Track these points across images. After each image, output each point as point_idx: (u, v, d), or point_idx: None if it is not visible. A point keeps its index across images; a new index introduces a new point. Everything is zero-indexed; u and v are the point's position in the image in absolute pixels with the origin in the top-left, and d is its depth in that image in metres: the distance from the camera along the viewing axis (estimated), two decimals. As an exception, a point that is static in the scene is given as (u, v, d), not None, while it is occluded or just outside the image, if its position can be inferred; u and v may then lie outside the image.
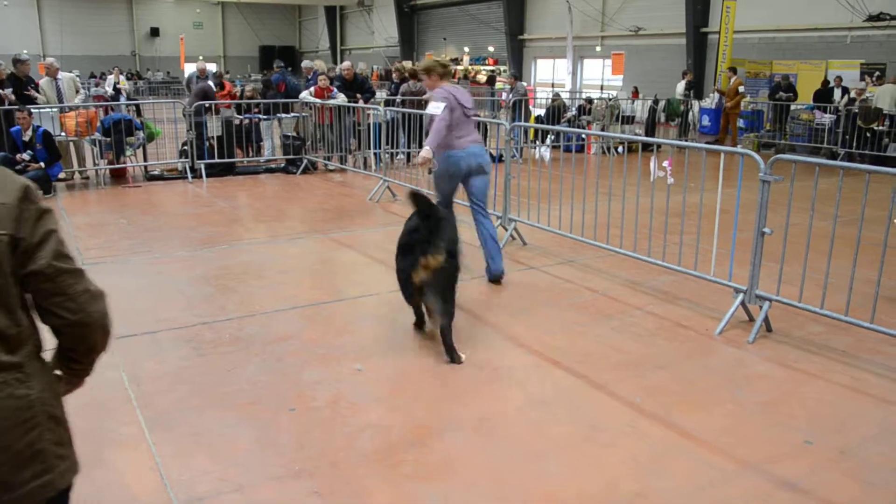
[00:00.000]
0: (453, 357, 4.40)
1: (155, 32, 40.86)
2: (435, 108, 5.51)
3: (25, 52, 29.17)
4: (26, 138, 9.07)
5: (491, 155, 6.78)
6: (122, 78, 17.77)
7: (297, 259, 6.81)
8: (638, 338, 4.89)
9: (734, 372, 4.40)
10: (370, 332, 4.94)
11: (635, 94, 20.30)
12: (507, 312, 5.32)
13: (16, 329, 1.57)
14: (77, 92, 11.00)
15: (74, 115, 10.19)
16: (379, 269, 6.34)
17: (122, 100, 15.68)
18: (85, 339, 1.72)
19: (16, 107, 9.35)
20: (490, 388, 4.11)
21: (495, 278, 6.01)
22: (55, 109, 10.36)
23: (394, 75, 14.74)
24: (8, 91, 9.95)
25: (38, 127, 9.24)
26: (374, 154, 10.98)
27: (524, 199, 7.54)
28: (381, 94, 15.33)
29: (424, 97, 10.23)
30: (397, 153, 11.19)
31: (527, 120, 15.34)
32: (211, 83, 12.01)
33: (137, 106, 13.06)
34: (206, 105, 10.91)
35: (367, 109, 11.28)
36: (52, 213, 1.64)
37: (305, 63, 15.52)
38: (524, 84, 18.47)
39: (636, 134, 15.56)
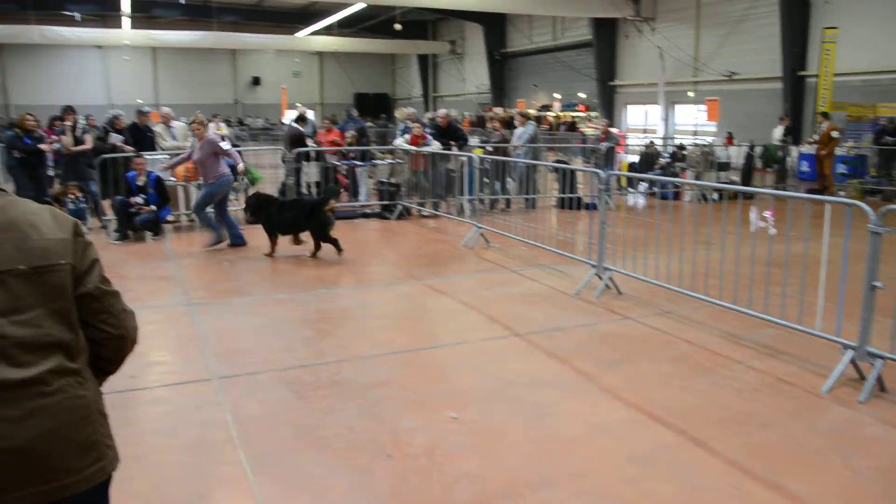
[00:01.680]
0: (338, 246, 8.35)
1: (256, 81, 42.70)
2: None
3: (140, 100, 30.98)
4: (140, 183, 9.62)
5: (586, 203, 6.77)
6: (221, 125, 18.49)
7: (392, 304, 6.93)
8: (739, 393, 4.73)
9: (845, 433, 4.19)
10: (465, 381, 4.96)
11: (729, 139, 19.89)
12: (602, 363, 5.26)
13: (76, 341, 1.80)
14: (189, 139, 11.60)
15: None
16: (473, 317, 6.38)
17: (227, 146, 16.37)
18: (121, 350, 1.98)
19: (134, 153, 9.96)
20: (586, 441, 4.05)
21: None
22: (166, 156, 10.95)
23: (493, 124, 14.84)
24: (118, 138, 10.61)
25: (151, 172, 9.78)
26: (468, 200, 11.09)
27: (619, 247, 7.48)
28: (474, 140, 15.50)
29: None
30: (492, 199, 11.31)
31: (618, 166, 15.24)
32: (298, 127, 12.47)
33: (239, 152, 13.61)
34: (305, 151, 11.31)
35: (460, 156, 11.46)
36: (93, 245, 1.90)
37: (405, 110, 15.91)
38: (616, 130, 18.39)
39: (731, 181, 15.22)
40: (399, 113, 14.95)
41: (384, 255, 9.19)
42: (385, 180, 11.97)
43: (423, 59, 41.52)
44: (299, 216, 8.70)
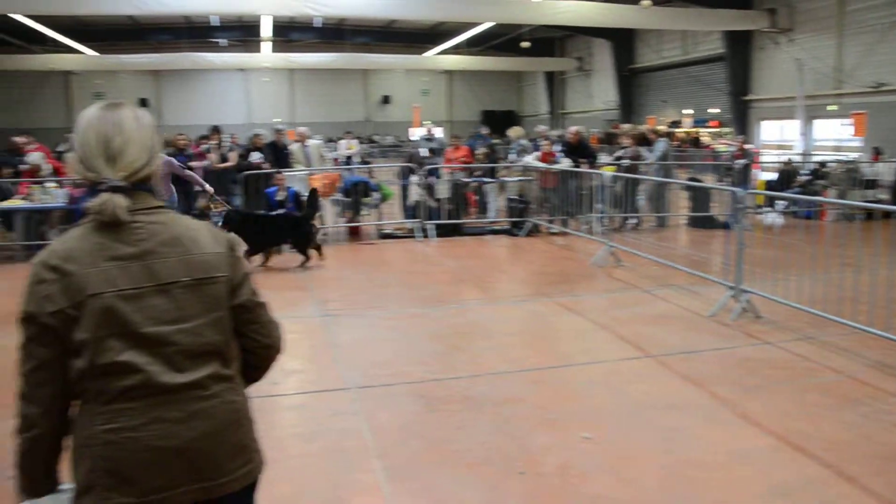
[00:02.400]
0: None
1: (386, 100, 43.90)
2: None
3: (278, 119, 32.52)
4: (280, 198, 10.11)
5: (720, 222, 6.54)
6: (352, 142, 19.00)
7: (522, 321, 6.94)
8: (893, 427, 4.44)
9: None
10: (598, 401, 4.89)
11: (876, 156, 18.66)
12: (740, 388, 5.06)
13: (230, 350, 1.91)
14: (323, 157, 12.10)
15: (320, 178, 11.21)
16: (605, 336, 6.30)
17: (355, 163, 16.93)
18: (269, 359, 2.07)
19: (273, 170, 10.47)
20: (724, 469, 3.90)
21: None
22: (304, 172, 11.45)
23: (625, 140, 14.56)
24: (257, 156, 11.20)
25: (290, 188, 10.25)
26: (598, 218, 10.97)
27: (756, 268, 7.19)
28: (605, 158, 15.27)
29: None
30: (625, 218, 11.15)
31: (753, 184, 14.64)
32: (422, 149, 12.72)
33: (369, 169, 14.04)
34: (435, 167, 11.55)
35: (591, 173, 11.37)
36: (244, 259, 2.04)
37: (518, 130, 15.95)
38: (751, 147, 17.67)
39: (879, 199, 14.29)
40: (512, 132, 14.99)
41: (513, 271, 9.23)
42: (514, 197, 12.02)
43: (550, 76, 41.43)
44: (282, 230, 9.21)
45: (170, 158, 9.03)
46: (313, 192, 9.70)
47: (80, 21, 30.55)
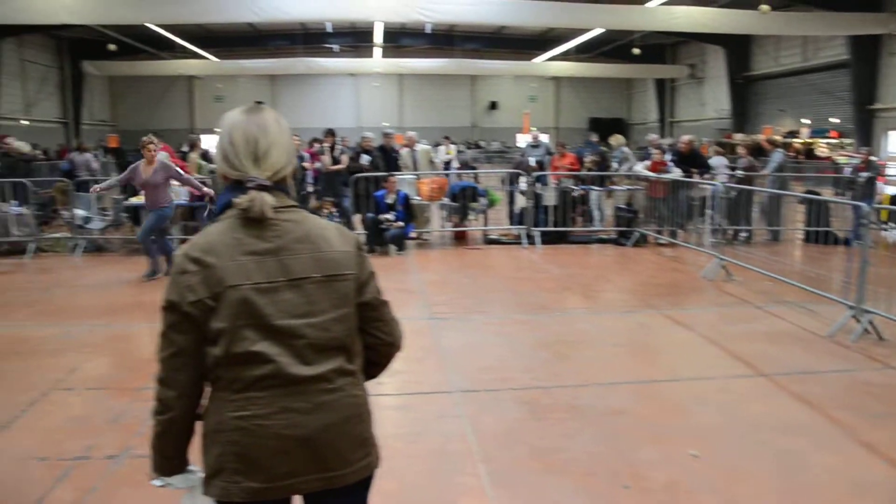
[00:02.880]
0: None
1: (493, 106, 44.05)
2: None
3: (386, 123, 33.14)
4: (390, 201, 10.34)
5: (840, 237, 6.24)
6: (451, 147, 19.00)
7: (629, 332, 6.84)
8: None
9: None
10: (706, 418, 4.76)
11: None
12: (862, 414, 4.81)
13: (354, 345, 1.98)
14: (430, 162, 12.28)
15: (428, 182, 11.38)
16: (714, 352, 6.13)
17: (453, 168, 17.01)
18: (389, 356, 2.16)
19: (384, 173, 10.71)
20: (842, 499, 3.73)
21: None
22: (413, 176, 11.65)
23: (739, 150, 14.10)
24: (367, 159, 11.46)
25: (400, 191, 10.46)
26: (709, 230, 10.68)
27: (880, 287, 6.82)
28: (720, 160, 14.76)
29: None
30: (737, 230, 10.81)
31: (878, 198, 13.87)
32: (529, 158, 12.69)
33: (475, 174, 14.11)
34: (542, 174, 11.53)
35: (702, 184, 11.09)
36: (369, 259, 2.06)
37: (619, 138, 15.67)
38: (876, 159, 16.76)
39: None
40: (614, 140, 14.75)
41: (620, 281, 9.10)
42: (622, 206, 11.86)
43: (661, 84, 40.54)
44: None
45: (168, 164, 9.02)
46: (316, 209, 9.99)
47: (205, 28, 32.17)
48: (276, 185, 1.92)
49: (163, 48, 33.97)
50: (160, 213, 8.87)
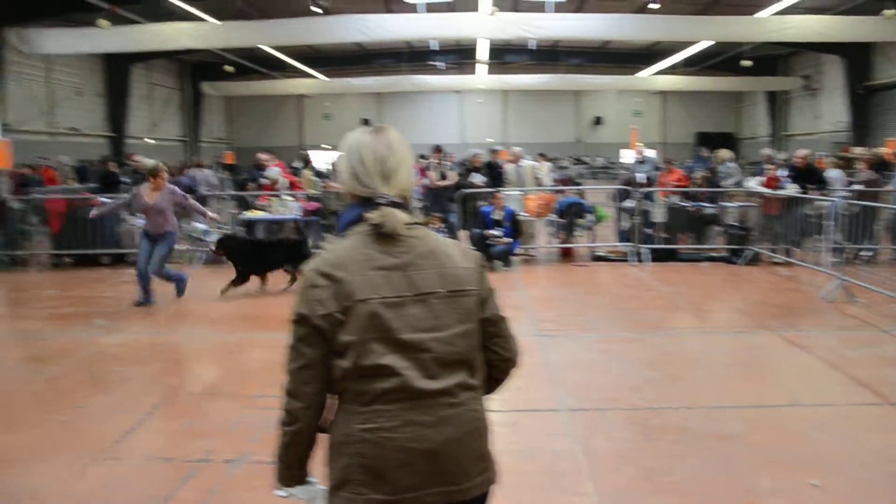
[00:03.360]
0: None
1: (598, 121, 43.55)
2: None
3: (490, 139, 33.30)
4: (497, 217, 10.40)
5: None
6: (544, 164, 18.69)
7: (742, 354, 6.61)
8: None
9: None
10: (827, 447, 4.53)
11: None
12: None
13: (477, 361, 2.00)
14: (537, 178, 12.27)
15: (535, 198, 11.38)
16: (836, 377, 5.85)
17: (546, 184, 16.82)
18: (506, 372, 2.16)
19: (492, 189, 10.78)
20: None
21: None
22: (520, 192, 11.68)
23: (859, 165, 13.44)
24: (479, 178, 11.55)
25: (507, 207, 10.50)
26: (829, 249, 10.21)
27: None
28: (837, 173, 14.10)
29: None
30: (859, 249, 10.29)
31: None
32: (638, 175, 12.46)
33: (579, 191, 13.98)
34: (650, 191, 11.33)
35: (819, 200, 10.61)
36: (488, 275, 2.08)
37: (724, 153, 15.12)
38: None
39: None
40: (720, 155, 14.24)
41: (732, 301, 8.82)
42: (734, 223, 11.49)
43: (772, 96, 39.03)
44: (280, 254, 9.26)
45: (174, 187, 8.92)
46: (304, 224, 10.16)
47: (314, 49, 33.26)
48: (403, 203, 1.98)
49: (275, 68, 35.36)
50: (170, 239, 8.72)
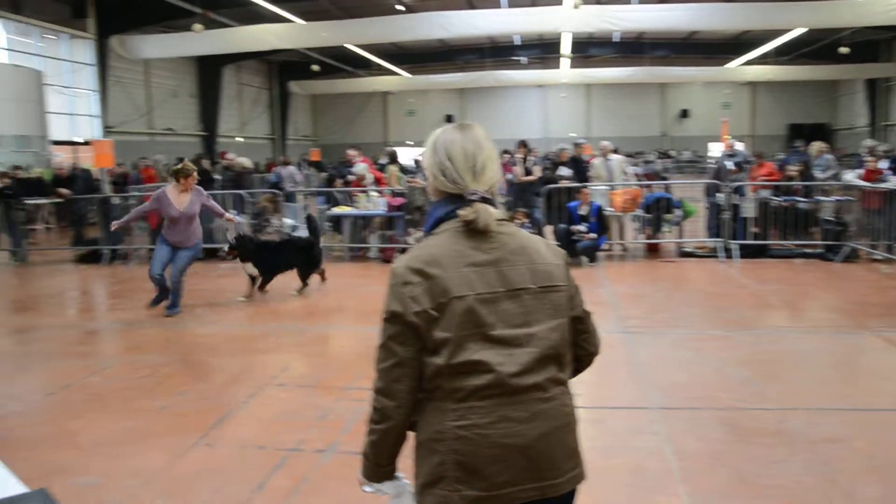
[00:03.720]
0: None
1: (684, 114, 42.55)
2: None
3: (573, 134, 32.97)
4: (582, 212, 10.29)
5: None
6: (623, 164, 18.21)
7: (841, 355, 6.35)
8: None
9: None
10: (939, 453, 4.33)
11: None
12: None
13: (566, 356, 2.00)
14: (624, 172, 12.07)
15: (621, 192, 11.20)
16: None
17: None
18: (588, 365, 2.18)
19: (578, 184, 10.68)
20: None
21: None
22: (605, 186, 11.52)
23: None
24: (567, 172, 11.44)
25: (593, 202, 10.38)
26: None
27: None
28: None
29: None
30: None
31: None
32: (727, 163, 12.08)
33: (666, 185, 13.68)
34: (740, 185, 10.99)
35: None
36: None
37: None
38: None
39: None
40: (814, 147, 13.61)
41: (828, 299, 8.46)
42: (830, 218, 11.03)
43: (871, 84, 37.17)
44: (291, 255, 9.05)
45: (200, 189, 8.18)
46: (311, 218, 9.89)
47: (398, 46, 33.61)
48: (491, 199, 1.98)
49: (360, 66, 35.95)
50: (194, 252, 8.12)
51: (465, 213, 1.90)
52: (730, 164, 12.13)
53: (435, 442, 1.88)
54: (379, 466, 2.01)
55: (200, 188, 8.18)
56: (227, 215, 8.86)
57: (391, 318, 1.88)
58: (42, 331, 7.72)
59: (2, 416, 5.19)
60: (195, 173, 7.99)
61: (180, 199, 7.85)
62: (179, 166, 8.09)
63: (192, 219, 7.91)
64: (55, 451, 4.43)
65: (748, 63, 35.19)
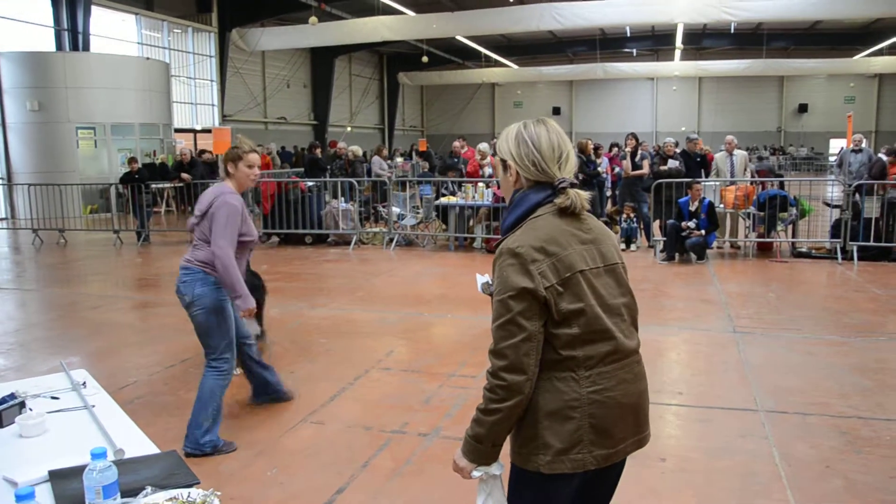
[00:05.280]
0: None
1: (803, 108, 40.62)
2: None
3: (684, 128, 32.05)
4: (692, 208, 10.03)
5: None
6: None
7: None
8: None
9: None
10: None
11: None
12: None
13: (635, 328, 2.19)
14: (745, 169, 11.70)
15: (734, 189, 10.85)
16: None
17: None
18: None
19: (692, 180, 10.41)
20: None
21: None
22: (717, 182, 11.21)
23: None
24: (674, 163, 11.17)
25: (704, 198, 10.10)
26: None
27: None
28: None
29: None
30: None
31: None
32: (852, 159, 11.50)
33: (781, 182, 13.14)
34: (863, 183, 10.44)
35: None
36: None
37: None
38: None
39: None
40: None
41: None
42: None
43: None
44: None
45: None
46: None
47: (508, 38, 33.58)
48: (577, 184, 2.14)
49: (468, 58, 36.15)
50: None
51: (561, 199, 2.05)
52: (854, 161, 11.56)
53: (570, 409, 2.00)
54: (495, 447, 2.07)
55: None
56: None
57: (520, 294, 1.96)
58: (163, 307, 8.19)
59: (130, 384, 5.58)
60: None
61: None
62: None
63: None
64: (175, 419, 4.71)
65: (876, 54, 33.21)
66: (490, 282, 2.10)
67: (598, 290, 2.05)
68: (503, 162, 2.17)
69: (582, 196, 2.07)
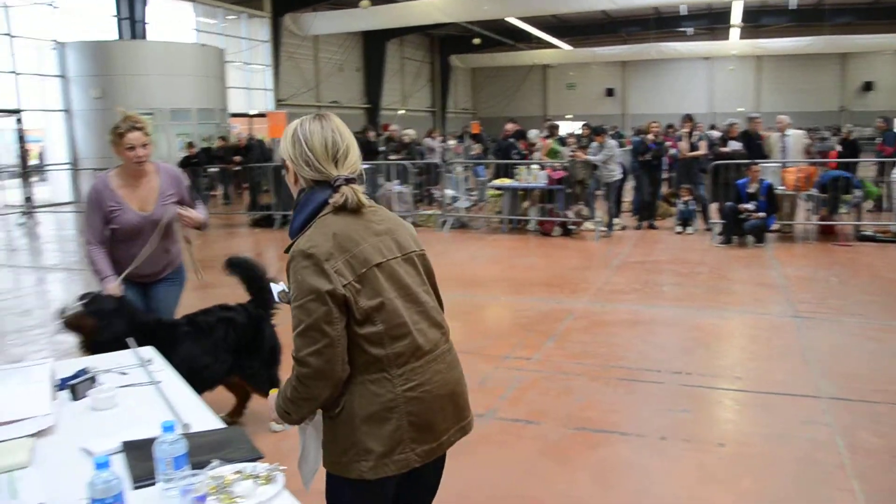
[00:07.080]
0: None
1: (868, 87, 39.23)
2: None
3: (741, 108, 31.29)
4: (751, 190, 9.80)
5: None
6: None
7: None
8: None
9: None
10: None
11: None
12: None
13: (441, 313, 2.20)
14: (804, 148, 11.40)
15: (795, 171, 10.57)
16: None
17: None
18: None
19: (752, 161, 10.18)
20: None
21: None
22: (778, 164, 10.93)
23: None
24: (736, 146, 10.93)
25: (763, 180, 9.86)
26: None
27: None
28: None
29: None
30: None
31: None
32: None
33: (847, 165, 12.75)
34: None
35: None
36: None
37: None
38: None
39: None
40: None
41: None
42: None
43: None
44: (219, 349, 4.31)
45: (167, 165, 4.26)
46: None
47: (560, 18, 33.16)
48: (357, 179, 2.07)
49: (520, 39, 35.81)
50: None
51: (335, 198, 2.00)
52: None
53: (387, 411, 1.96)
54: (296, 422, 2.13)
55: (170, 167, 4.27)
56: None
57: (318, 297, 1.89)
58: (223, 288, 8.33)
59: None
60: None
61: (137, 196, 3.98)
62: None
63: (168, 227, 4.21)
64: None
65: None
66: (286, 289, 2.03)
67: (400, 280, 2.03)
68: (283, 162, 2.13)
69: (357, 191, 2.01)
